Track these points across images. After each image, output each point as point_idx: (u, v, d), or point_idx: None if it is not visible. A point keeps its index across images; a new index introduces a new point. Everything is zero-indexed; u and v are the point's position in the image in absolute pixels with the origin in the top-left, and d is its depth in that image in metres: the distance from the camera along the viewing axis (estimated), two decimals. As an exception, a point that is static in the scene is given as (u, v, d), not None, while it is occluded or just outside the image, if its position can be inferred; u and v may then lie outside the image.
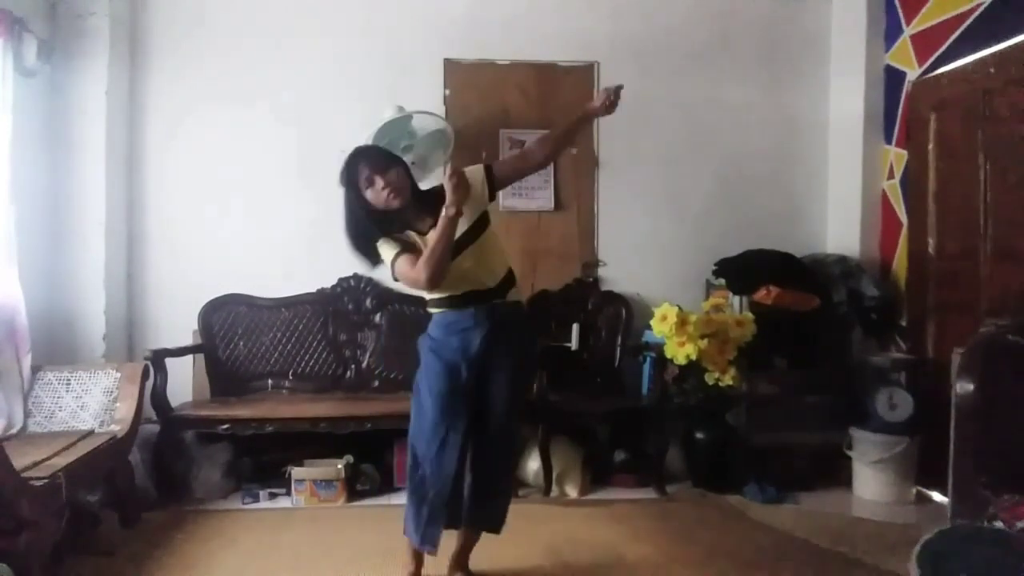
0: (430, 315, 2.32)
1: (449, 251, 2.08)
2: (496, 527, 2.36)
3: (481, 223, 2.22)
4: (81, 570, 2.51)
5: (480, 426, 2.24)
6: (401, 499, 3.32)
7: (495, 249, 2.28)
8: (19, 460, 2.27)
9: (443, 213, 2.06)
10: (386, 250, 2.18)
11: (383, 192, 2.16)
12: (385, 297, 3.85)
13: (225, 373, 3.71)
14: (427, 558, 2.33)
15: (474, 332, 2.20)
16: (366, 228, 2.22)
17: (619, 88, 2.25)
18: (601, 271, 4.06)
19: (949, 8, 3.42)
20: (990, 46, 3.18)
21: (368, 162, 2.20)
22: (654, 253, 4.06)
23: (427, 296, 2.26)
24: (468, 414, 2.20)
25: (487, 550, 2.50)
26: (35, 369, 3.05)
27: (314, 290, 3.85)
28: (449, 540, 2.35)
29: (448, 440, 2.17)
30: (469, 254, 2.19)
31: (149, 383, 3.16)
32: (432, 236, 2.09)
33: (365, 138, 3.69)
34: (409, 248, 2.16)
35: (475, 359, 2.20)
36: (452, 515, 2.23)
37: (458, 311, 2.22)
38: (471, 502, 2.27)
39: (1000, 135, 3.13)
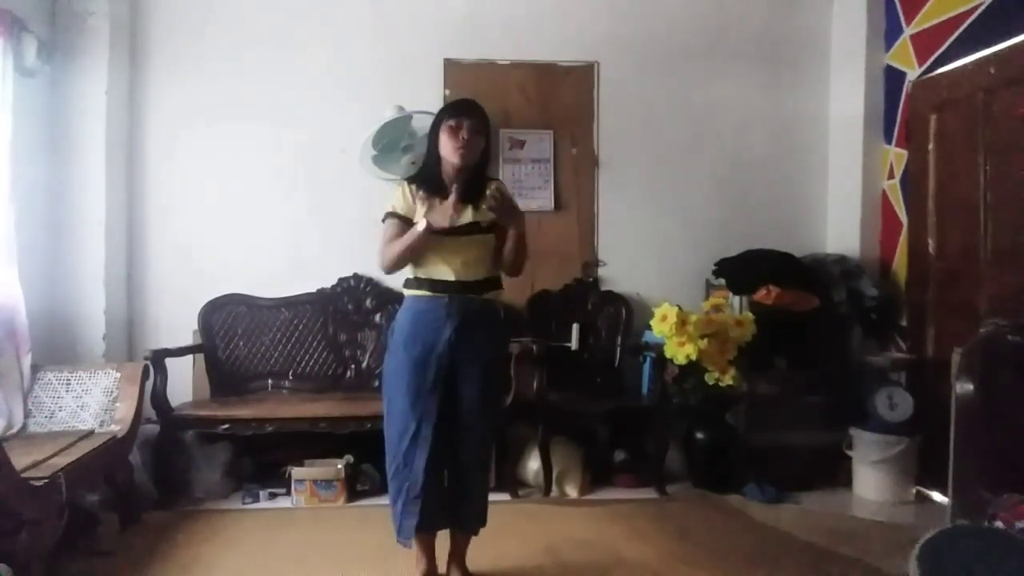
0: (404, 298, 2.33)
1: (406, 257, 2.20)
2: (472, 528, 2.35)
3: (494, 227, 2.27)
4: (81, 570, 2.51)
5: (452, 424, 2.23)
6: (401, 499, 3.35)
7: (486, 253, 2.29)
8: (19, 460, 2.27)
9: (421, 225, 2.15)
10: (395, 199, 2.27)
11: (459, 140, 2.19)
12: (385, 297, 3.85)
13: (225, 373, 3.71)
14: (438, 556, 2.36)
15: (445, 325, 2.20)
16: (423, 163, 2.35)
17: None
18: (601, 271, 4.06)
19: (949, 8, 3.42)
20: (990, 46, 3.18)
21: (468, 112, 2.24)
22: (654, 253, 4.06)
23: (409, 273, 2.27)
24: (438, 408, 2.19)
25: (487, 550, 2.50)
26: (35, 369, 3.05)
27: (314, 290, 3.85)
28: (444, 540, 2.36)
29: (419, 434, 2.17)
30: (472, 242, 2.22)
31: (149, 383, 3.16)
32: (404, 239, 2.18)
33: (365, 138, 3.70)
34: (404, 218, 2.23)
35: (444, 353, 2.19)
36: (432, 512, 2.22)
37: (433, 298, 2.22)
38: (447, 503, 2.26)
39: (1000, 135, 3.13)
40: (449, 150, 2.20)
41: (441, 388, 2.20)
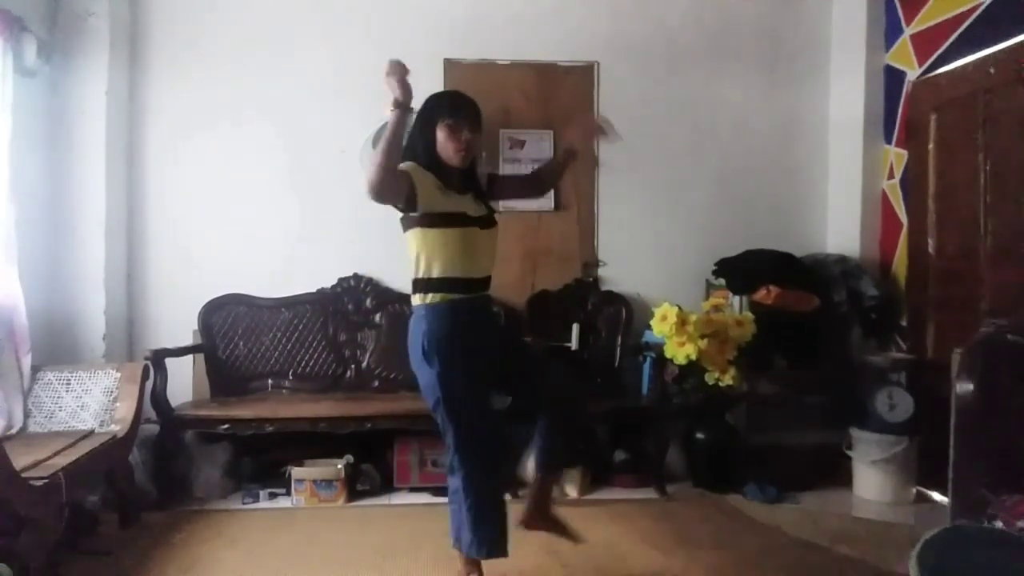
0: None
1: (396, 150, 1.96)
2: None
3: (495, 219, 2.30)
4: (81, 570, 2.51)
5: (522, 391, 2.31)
6: (401, 499, 3.36)
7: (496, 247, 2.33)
8: (19, 460, 2.27)
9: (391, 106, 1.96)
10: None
11: (459, 143, 2.15)
12: (385, 297, 3.85)
13: (225, 373, 3.71)
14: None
15: (484, 323, 2.25)
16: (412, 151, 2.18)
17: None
18: (601, 271, 4.06)
19: (949, 8, 3.42)
20: (990, 46, 3.18)
21: (465, 111, 2.20)
22: (654, 253, 4.07)
23: (446, 272, 2.14)
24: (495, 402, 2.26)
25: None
26: (35, 369, 3.05)
27: (314, 290, 3.85)
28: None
29: (498, 432, 2.21)
30: (491, 235, 2.25)
31: (149, 383, 3.16)
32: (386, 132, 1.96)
33: (365, 138, 3.70)
34: (417, 183, 2.08)
35: (492, 348, 2.23)
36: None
37: (470, 297, 2.19)
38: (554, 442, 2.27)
39: (1000, 135, 3.13)
40: (450, 152, 2.16)
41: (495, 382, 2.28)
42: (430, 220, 2.12)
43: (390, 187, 2.01)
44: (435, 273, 2.15)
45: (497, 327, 2.29)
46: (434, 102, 2.24)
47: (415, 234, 2.16)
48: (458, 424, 2.15)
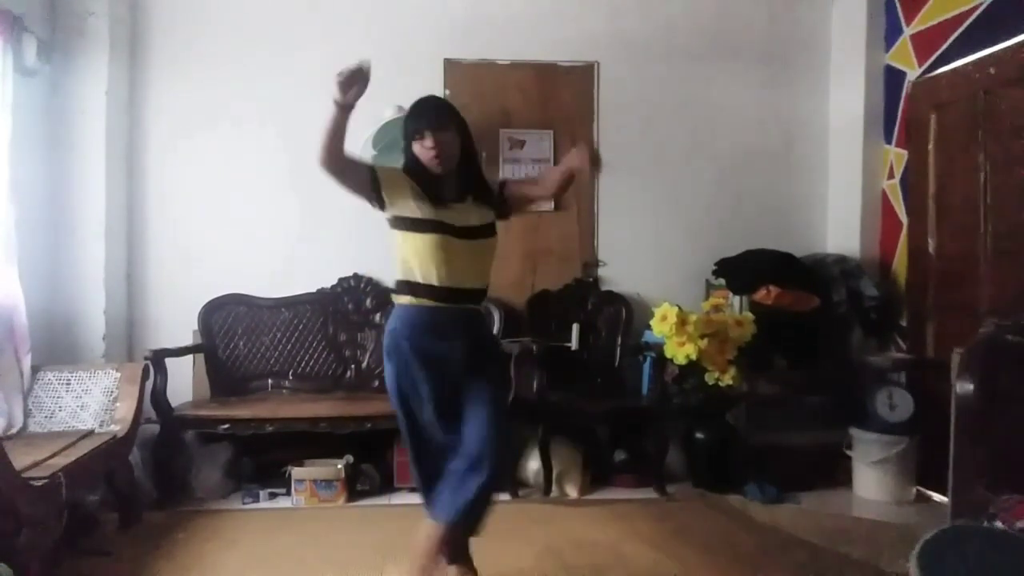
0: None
1: (335, 136, 2.04)
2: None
3: (492, 229, 2.22)
4: (81, 570, 2.51)
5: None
6: (401, 499, 3.36)
7: (491, 259, 2.25)
8: (19, 460, 2.27)
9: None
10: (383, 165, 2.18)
11: (430, 151, 2.09)
12: (385, 297, 3.84)
13: (225, 373, 3.71)
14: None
15: (454, 339, 2.13)
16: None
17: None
18: (601, 271, 4.06)
19: (949, 8, 3.42)
20: (990, 46, 3.18)
21: (425, 117, 2.15)
22: (654, 253, 4.07)
23: (415, 277, 2.11)
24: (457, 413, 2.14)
25: (488, 550, 2.50)
26: (35, 369, 3.05)
27: (314, 290, 3.85)
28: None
29: (441, 448, 2.15)
30: (477, 247, 2.17)
31: (149, 383, 3.16)
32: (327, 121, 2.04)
33: (365, 138, 3.70)
34: (369, 167, 2.13)
35: (456, 365, 2.13)
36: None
37: (442, 308, 2.11)
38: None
39: (1000, 135, 3.13)
40: (427, 161, 2.11)
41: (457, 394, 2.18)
42: (402, 224, 2.13)
43: (337, 171, 2.09)
44: (408, 276, 2.14)
45: (469, 344, 2.14)
46: (405, 118, 2.21)
47: (394, 236, 2.17)
48: (404, 427, 2.21)
